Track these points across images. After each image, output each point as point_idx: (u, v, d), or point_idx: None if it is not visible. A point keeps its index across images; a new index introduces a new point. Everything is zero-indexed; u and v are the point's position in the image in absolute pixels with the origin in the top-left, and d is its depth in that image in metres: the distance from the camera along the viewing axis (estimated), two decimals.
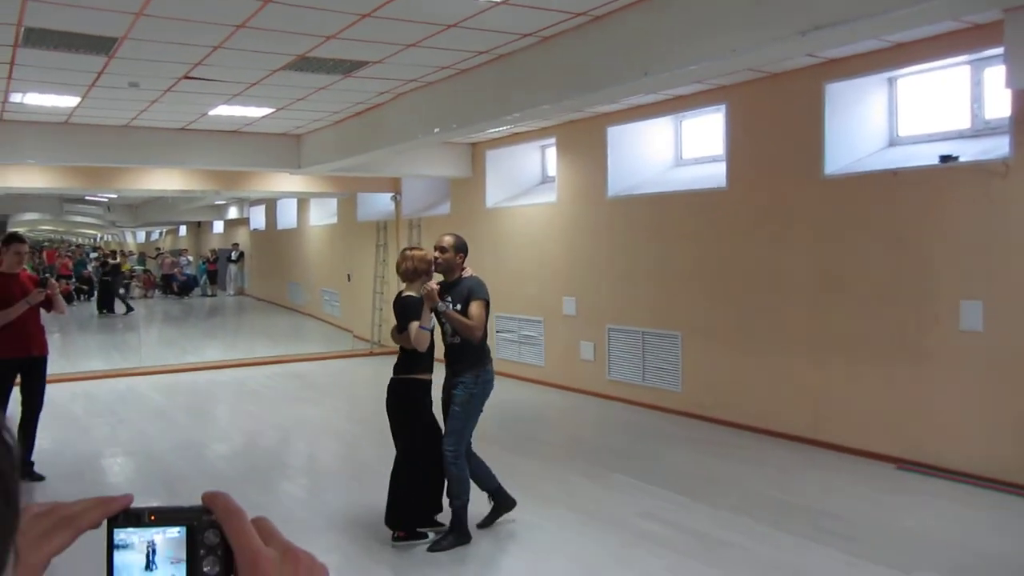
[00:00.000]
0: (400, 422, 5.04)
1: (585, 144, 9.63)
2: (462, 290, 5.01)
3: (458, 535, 4.99)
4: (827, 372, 7.06)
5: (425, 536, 5.02)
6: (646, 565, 4.71)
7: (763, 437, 7.50)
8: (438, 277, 5.16)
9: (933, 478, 6.17)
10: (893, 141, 7.05)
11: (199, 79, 7.16)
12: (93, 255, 27.95)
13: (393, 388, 5.05)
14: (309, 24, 5.57)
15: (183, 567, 0.71)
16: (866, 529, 5.24)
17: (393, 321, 5.15)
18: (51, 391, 9.52)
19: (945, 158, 6.20)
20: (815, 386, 7.16)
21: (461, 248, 5.11)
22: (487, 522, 5.18)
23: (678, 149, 9.26)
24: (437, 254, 5.07)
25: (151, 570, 0.71)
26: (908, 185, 6.43)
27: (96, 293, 22.27)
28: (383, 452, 6.96)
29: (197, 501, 0.74)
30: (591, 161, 9.55)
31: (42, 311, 6.53)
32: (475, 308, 4.94)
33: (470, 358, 5.00)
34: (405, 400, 5.00)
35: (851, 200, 6.85)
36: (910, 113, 6.98)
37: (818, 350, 7.12)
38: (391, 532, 5.05)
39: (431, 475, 5.04)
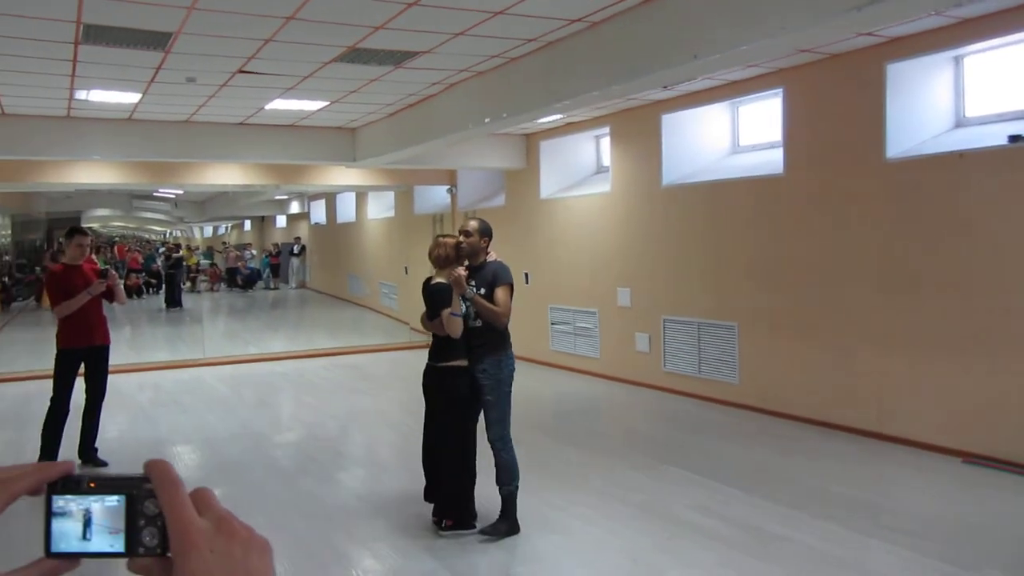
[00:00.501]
0: (439, 409, 5.04)
1: (639, 132, 9.50)
2: (487, 274, 5.00)
3: (510, 523, 4.98)
4: (890, 363, 6.83)
5: (473, 527, 5.00)
6: (696, 558, 4.61)
7: (824, 430, 7.29)
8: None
9: (1001, 472, 5.92)
10: (960, 122, 6.77)
11: (253, 73, 7.25)
12: (162, 250, 28.71)
13: (429, 375, 5.06)
14: (356, 14, 5.58)
15: (122, 537, 0.68)
16: (929, 524, 5.05)
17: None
18: (119, 381, 9.85)
19: (1015, 138, 5.93)
20: (878, 378, 6.93)
21: (486, 232, 5.11)
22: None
23: (735, 136, 9.07)
24: (462, 238, 5.08)
25: (87, 539, 0.68)
26: (976, 167, 6.17)
27: (164, 287, 22.84)
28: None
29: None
30: (645, 150, 9.41)
31: (105, 302, 6.71)
32: (501, 294, 4.92)
33: (492, 342, 4.98)
34: (442, 387, 4.99)
35: (915, 184, 6.60)
36: (978, 92, 6.69)
37: (881, 341, 6.89)
38: (438, 521, 5.05)
39: (471, 462, 5.04)
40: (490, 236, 5.13)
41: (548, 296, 11.20)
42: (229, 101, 8.59)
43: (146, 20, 5.64)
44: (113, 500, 0.69)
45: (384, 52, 6.65)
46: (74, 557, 0.69)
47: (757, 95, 8.31)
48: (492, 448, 4.97)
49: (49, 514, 0.69)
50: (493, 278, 4.96)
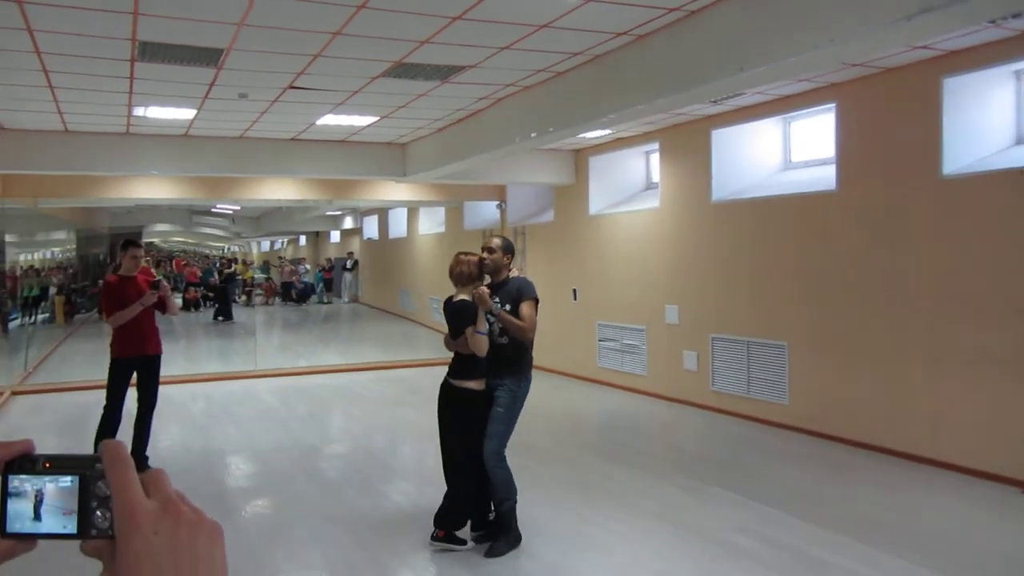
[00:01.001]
0: (450, 427, 5.03)
1: (689, 148, 9.40)
2: (510, 290, 5.01)
3: (510, 537, 4.99)
4: (947, 387, 6.60)
5: (463, 542, 4.99)
6: None
7: (875, 454, 7.08)
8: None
9: None
10: (1021, 139, 6.55)
11: (303, 88, 7.36)
12: (218, 264, 29.31)
13: (445, 392, 5.06)
14: (402, 29, 5.63)
15: (75, 519, 0.67)
16: (982, 557, 4.85)
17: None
18: (173, 391, 10.05)
19: None
20: (933, 401, 6.71)
21: (508, 249, 5.18)
22: (481, 539, 5.10)
23: (786, 151, 8.91)
24: (485, 255, 5.11)
25: (40, 520, 0.68)
26: None
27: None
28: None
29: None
30: (695, 165, 9.31)
31: (158, 313, 6.85)
32: (527, 309, 4.92)
33: (517, 361, 4.99)
34: (456, 406, 5.00)
35: (973, 201, 6.40)
36: None
37: (937, 363, 6.67)
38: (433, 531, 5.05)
39: (478, 481, 5.01)
40: (512, 253, 5.19)
41: (596, 312, 11.13)
42: (281, 117, 8.74)
43: (198, 37, 5.77)
44: (67, 481, 0.68)
45: (431, 67, 6.70)
46: (30, 538, 0.69)
47: (809, 110, 8.16)
48: (487, 465, 4.92)
49: (5, 494, 0.68)
50: (518, 293, 4.97)
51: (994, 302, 6.26)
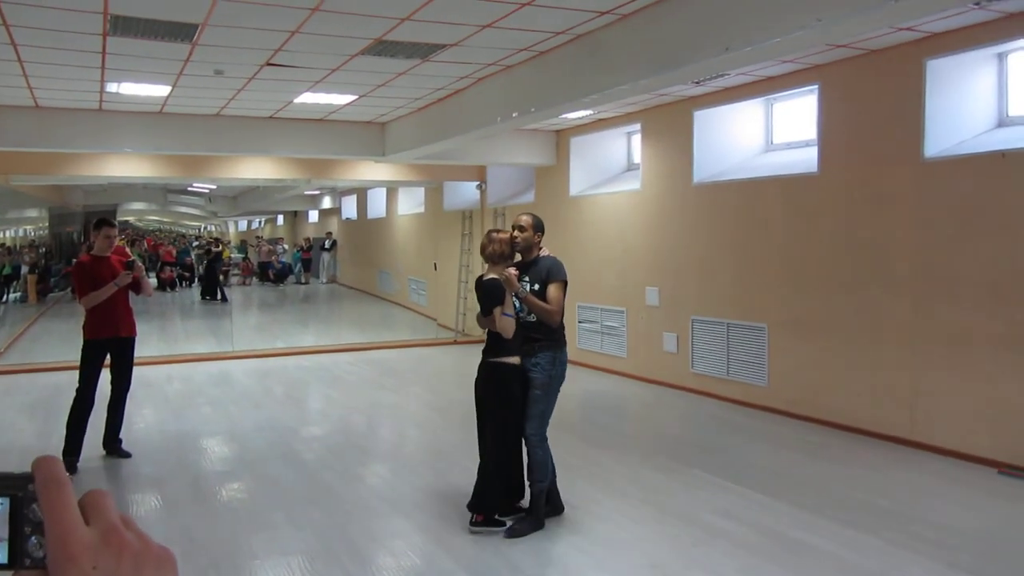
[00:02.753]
0: (489, 406, 4.98)
1: (671, 129, 9.35)
2: (540, 270, 4.95)
3: (534, 520, 4.94)
4: (926, 369, 6.63)
5: (503, 524, 4.94)
6: (717, 564, 4.48)
7: (854, 436, 7.12)
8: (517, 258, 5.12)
9: None
10: (1002, 121, 6.55)
11: (280, 66, 7.22)
12: (195, 244, 28.99)
13: (483, 371, 5.00)
14: (382, 5, 5.52)
15: (5, 547, 0.58)
16: (963, 536, 4.88)
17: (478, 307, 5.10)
18: (148, 372, 9.92)
19: None
20: (913, 384, 6.74)
21: (539, 227, 5.08)
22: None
23: (768, 133, 8.89)
24: (516, 233, 5.04)
25: None
26: (1018, 167, 5.96)
27: (198, 280, 23.00)
28: (460, 439, 6.93)
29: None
30: (677, 147, 9.26)
31: (131, 295, 6.72)
32: (554, 291, 4.87)
33: (547, 339, 4.93)
34: (493, 383, 4.94)
35: (954, 185, 6.40)
36: (1022, 90, 6.46)
37: (917, 345, 6.70)
38: (471, 516, 4.99)
39: (517, 460, 4.97)
40: (543, 231, 5.12)
41: (576, 294, 11.01)
42: (258, 94, 8.58)
43: (172, 11, 5.62)
44: None
45: (411, 45, 6.58)
46: None
47: (792, 91, 8.13)
48: (527, 443, 4.94)
49: None
50: (547, 274, 4.92)
51: (974, 284, 6.27)
